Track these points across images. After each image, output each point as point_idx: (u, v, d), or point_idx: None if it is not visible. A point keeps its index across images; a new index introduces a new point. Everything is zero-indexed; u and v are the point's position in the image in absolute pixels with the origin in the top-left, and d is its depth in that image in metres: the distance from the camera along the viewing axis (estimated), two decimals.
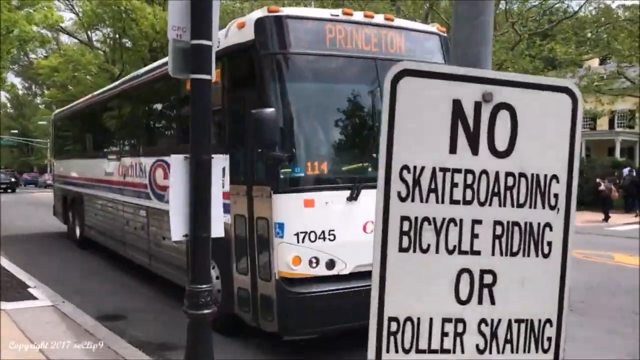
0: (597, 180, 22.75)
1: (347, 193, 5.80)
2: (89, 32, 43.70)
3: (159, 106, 9.81)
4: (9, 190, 46.04)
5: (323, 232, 5.67)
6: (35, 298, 8.23)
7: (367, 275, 5.80)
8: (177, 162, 4.17)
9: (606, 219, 21.38)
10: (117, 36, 39.33)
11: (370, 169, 6.12)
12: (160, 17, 31.79)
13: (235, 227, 6.37)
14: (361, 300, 5.75)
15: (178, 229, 4.16)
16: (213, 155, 4.19)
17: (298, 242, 5.60)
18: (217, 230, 4.29)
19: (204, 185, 4.13)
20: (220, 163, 4.32)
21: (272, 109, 5.44)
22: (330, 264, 5.72)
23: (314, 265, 5.65)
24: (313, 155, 5.90)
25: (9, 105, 77.14)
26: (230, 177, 6.25)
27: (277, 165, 5.61)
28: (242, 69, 6.39)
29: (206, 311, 4.16)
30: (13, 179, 50.47)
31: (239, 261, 6.38)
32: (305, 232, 5.61)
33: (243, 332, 6.69)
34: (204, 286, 4.16)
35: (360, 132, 6.39)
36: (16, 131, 71.44)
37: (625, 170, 25.32)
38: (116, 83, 12.21)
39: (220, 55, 6.41)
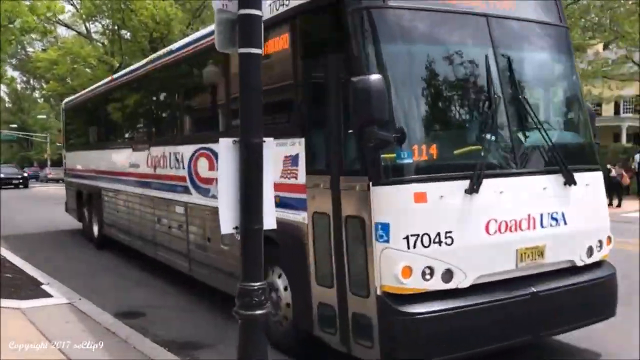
0: (608, 166, 22.40)
1: (466, 184, 4.66)
2: (87, 24, 43.16)
3: (203, 86, 8.42)
4: (21, 186, 44.33)
5: (438, 234, 4.52)
6: (50, 295, 7.99)
7: (490, 288, 4.92)
8: (226, 147, 3.79)
9: (619, 204, 21.10)
10: (116, 28, 38.82)
11: (492, 153, 4.99)
12: (160, 8, 31.33)
13: (315, 227, 5.25)
14: (484, 321, 4.76)
15: (227, 221, 3.79)
16: (264, 139, 3.82)
17: (409, 247, 4.44)
18: (269, 221, 3.92)
19: (255, 171, 3.76)
20: (272, 147, 3.93)
21: (378, 76, 4.37)
22: (448, 275, 4.59)
23: (428, 277, 4.51)
24: (423, 136, 4.78)
25: (7, 99, 76.68)
26: (306, 165, 5.33)
27: (379, 149, 4.47)
28: (322, 31, 5.41)
29: (259, 312, 3.79)
30: (25, 174, 48.60)
31: (319, 270, 5.23)
32: (417, 235, 4.46)
33: (323, 355, 5.55)
34: (257, 284, 3.78)
35: (478, 107, 5.15)
36: (15, 126, 71.17)
37: (637, 156, 24.95)
38: (144, 62, 10.72)
39: (291, 16, 5.56)
